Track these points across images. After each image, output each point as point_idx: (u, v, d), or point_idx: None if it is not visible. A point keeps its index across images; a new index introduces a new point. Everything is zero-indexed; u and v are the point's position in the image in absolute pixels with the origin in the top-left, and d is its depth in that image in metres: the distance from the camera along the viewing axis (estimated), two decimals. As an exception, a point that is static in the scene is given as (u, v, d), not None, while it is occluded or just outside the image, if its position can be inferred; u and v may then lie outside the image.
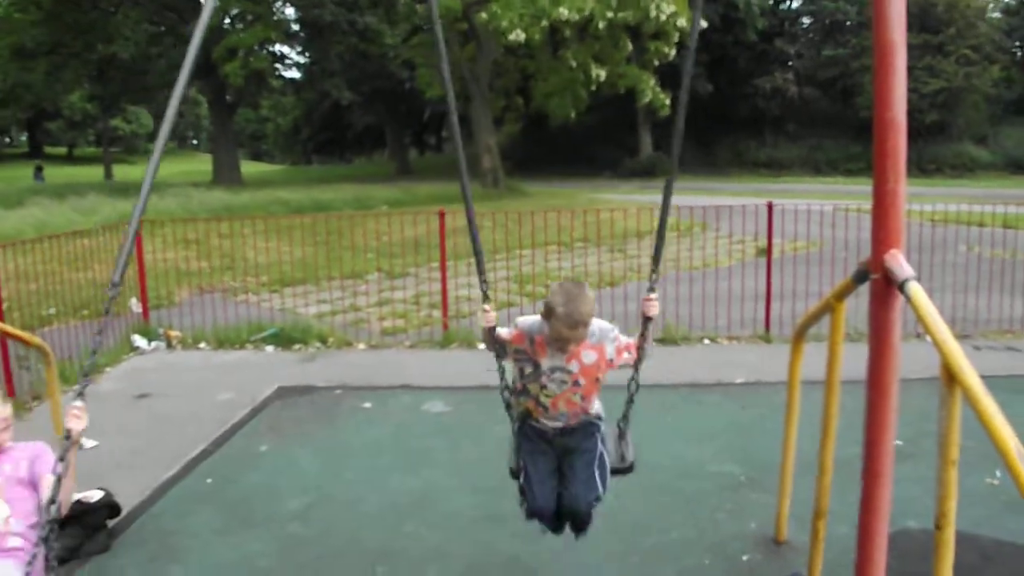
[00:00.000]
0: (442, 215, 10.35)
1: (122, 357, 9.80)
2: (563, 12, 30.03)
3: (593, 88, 35.54)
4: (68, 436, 3.09)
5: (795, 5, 55.18)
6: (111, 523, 5.48)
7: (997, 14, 51.76)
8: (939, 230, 12.24)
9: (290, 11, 44.66)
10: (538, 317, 4.03)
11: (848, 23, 50.09)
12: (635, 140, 51.10)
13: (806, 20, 54.71)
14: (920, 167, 44.62)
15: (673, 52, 34.54)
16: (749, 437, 6.85)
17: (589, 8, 30.71)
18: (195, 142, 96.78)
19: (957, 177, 43.50)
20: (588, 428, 4.24)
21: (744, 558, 4.94)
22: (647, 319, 4.13)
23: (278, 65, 47.65)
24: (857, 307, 3.97)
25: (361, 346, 10.03)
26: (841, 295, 3.98)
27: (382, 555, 5.09)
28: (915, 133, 44.11)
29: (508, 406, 4.30)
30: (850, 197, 19.79)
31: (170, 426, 7.44)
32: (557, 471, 4.20)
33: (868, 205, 3.26)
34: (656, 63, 35.40)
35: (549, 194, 32.72)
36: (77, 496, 5.36)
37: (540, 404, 4.16)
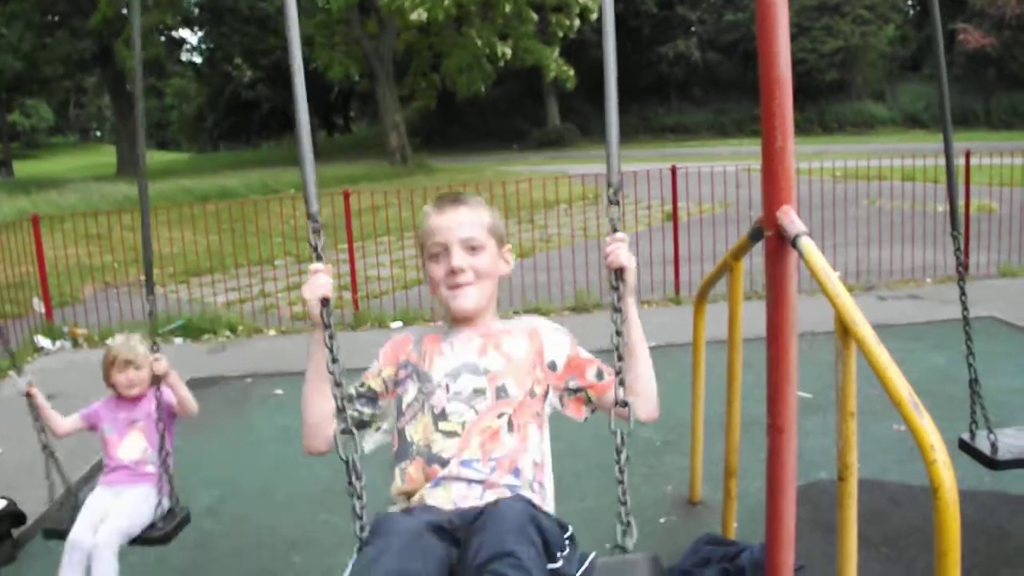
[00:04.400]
0: (347, 195, 10.23)
1: (26, 359, 9.48)
2: None
3: (501, 65, 35.45)
4: (159, 377, 4.13)
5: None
6: (16, 532, 5.29)
7: (889, -26, 52.95)
8: (840, 186, 12.46)
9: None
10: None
11: (747, -13, 50.79)
12: (542, 111, 51.18)
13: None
14: (823, 125, 45.64)
15: (576, 24, 34.63)
16: (663, 400, 6.86)
17: None
18: (99, 134, 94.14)
19: (858, 134, 44.48)
20: (517, 508, 2.18)
21: (661, 520, 4.98)
22: (619, 271, 2.56)
23: (178, 49, 46.61)
24: (763, 265, 4.00)
25: (272, 332, 9.89)
26: (738, 254, 4.00)
27: (297, 544, 5.02)
28: (816, 92, 45.04)
29: (352, 496, 2.34)
30: (755, 157, 20.02)
31: (76, 427, 7.23)
32: None
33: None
34: (560, 35, 35.43)
35: (458, 170, 32.58)
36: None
37: (434, 459, 2.37)
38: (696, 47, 51.32)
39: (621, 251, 2.53)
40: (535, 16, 34.81)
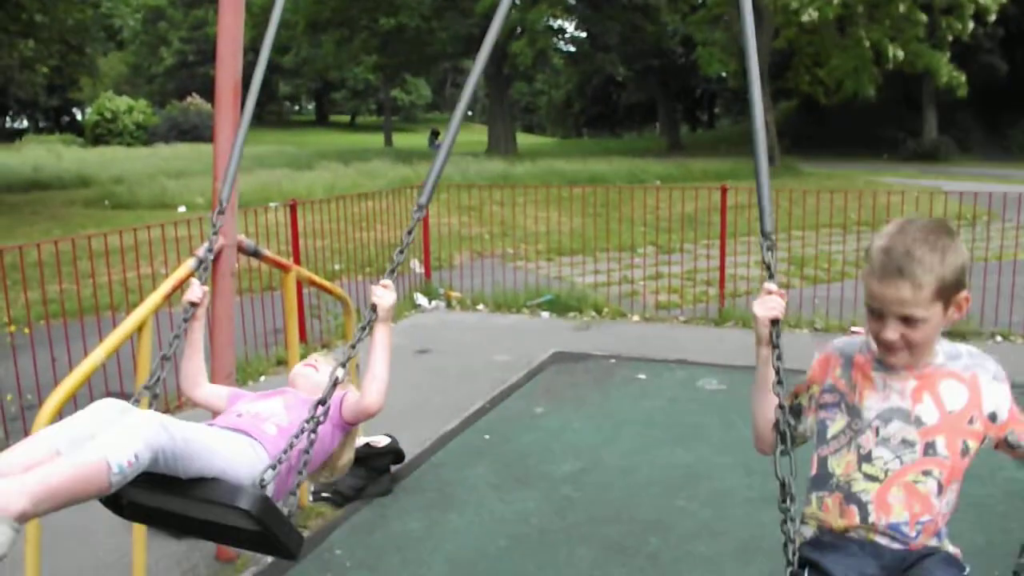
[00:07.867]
0: (724, 191, 10.18)
1: (404, 313, 10.33)
2: None
3: (889, 67, 33.84)
4: (374, 310, 2.84)
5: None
6: (394, 468, 5.81)
7: None
8: None
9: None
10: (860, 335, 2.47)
11: None
12: (918, 121, 48.19)
13: None
14: None
15: (969, 28, 32.50)
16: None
17: None
18: (470, 113, 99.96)
19: None
20: (944, 564, 2.34)
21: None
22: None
23: (556, 39, 48.34)
24: None
25: (635, 318, 10.07)
26: None
27: (654, 526, 5.10)
28: None
29: (785, 521, 2.16)
30: None
31: (449, 382, 7.79)
32: None
33: None
34: (950, 39, 33.40)
35: (825, 175, 31.46)
36: (367, 440, 5.70)
37: (852, 499, 2.33)
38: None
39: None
40: (925, 17, 32.91)
